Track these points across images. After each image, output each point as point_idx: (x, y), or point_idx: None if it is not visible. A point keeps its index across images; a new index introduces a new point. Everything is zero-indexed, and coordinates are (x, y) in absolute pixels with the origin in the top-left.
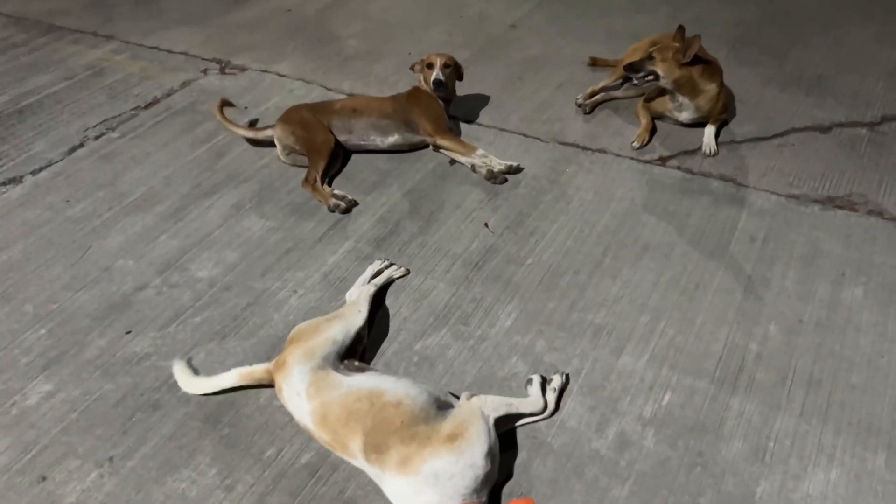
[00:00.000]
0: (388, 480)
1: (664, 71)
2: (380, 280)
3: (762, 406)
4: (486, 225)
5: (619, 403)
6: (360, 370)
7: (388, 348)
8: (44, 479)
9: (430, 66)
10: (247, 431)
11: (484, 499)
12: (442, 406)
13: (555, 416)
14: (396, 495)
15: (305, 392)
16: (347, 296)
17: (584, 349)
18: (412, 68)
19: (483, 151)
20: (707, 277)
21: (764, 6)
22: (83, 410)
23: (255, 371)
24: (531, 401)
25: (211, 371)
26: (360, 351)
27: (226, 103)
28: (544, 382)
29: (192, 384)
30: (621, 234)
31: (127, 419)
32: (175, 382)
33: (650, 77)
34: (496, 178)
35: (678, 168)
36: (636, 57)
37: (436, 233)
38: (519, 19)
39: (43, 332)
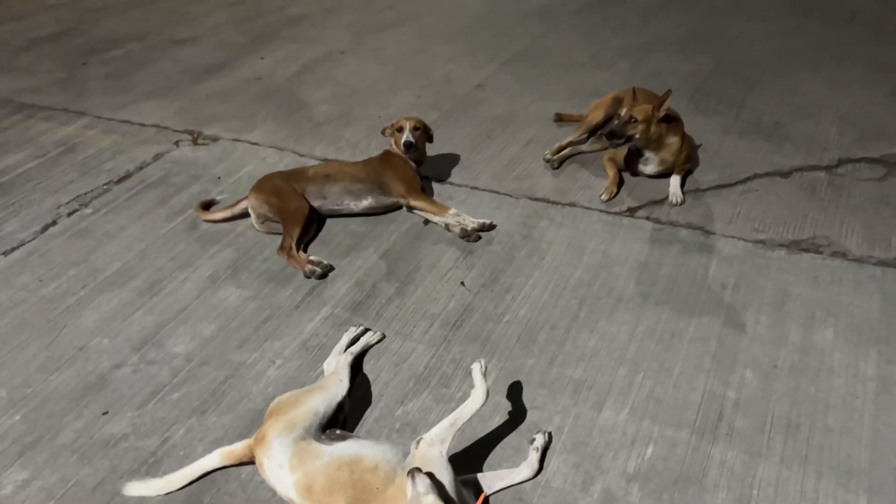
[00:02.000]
0: None
1: (643, 132)
2: (356, 348)
3: (743, 454)
4: (462, 283)
5: (603, 459)
6: (342, 438)
7: (370, 415)
8: None
9: (400, 129)
10: None
11: None
12: None
13: (539, 477)
14: None
15: (288, 464)
16: (325, 365)
17: (564, 406)
18: (383, 132)
19: (456, 210)
20: (682, 326)
21: (718, 57)
22: (60, 497)
23: (236, 449)
24: (473, 398)
25: (191, 448)
26: (341, 420)
27: (206, 205)
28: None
29: (170, 482)
30: (595, 287)
31: None
32: (154, 462)
33: (632, 140)
34: (470, 236)
35: (647, 218)
36: (600, 113)
37: (413, 294)
38: (485, 80)
39: (17, 417)
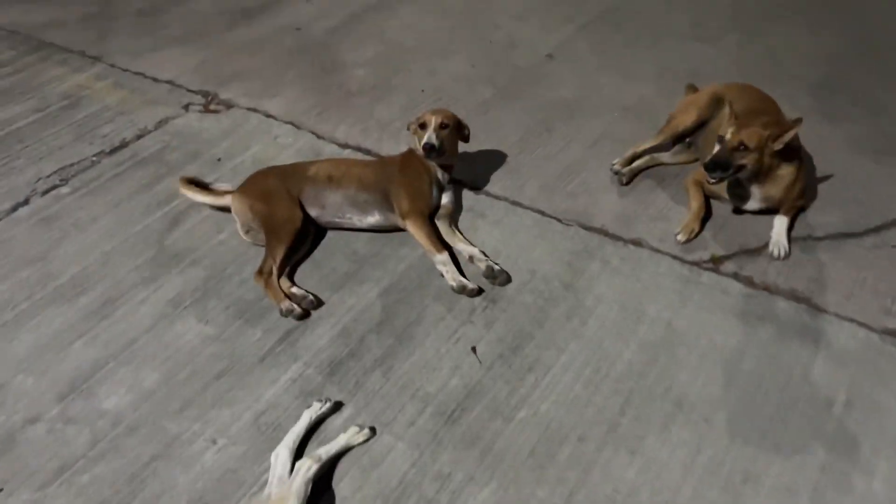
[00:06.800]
0: None
1: (754, 162)
2: (333, 448)
3: None
4: (473, 350)
5: None
6: None
7: None
8: None
9: (424, 126)
10: None
11: None
12: None
13: None
14: None
15: None
16: (273, 457)
17: None
18: (408, 128)
19: (445, 258)
20: (760, 466)
21: (856, 34)
22: None
23: None
24: None
25: None
26: None
27: (191, 180)
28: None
29: None
30: (649, 379)
31: None
32: None
33: (742, 171)
34: (496, 277)
35: (735, 276)
36: (691, 114)
37: (407, 358)
38: (556, 46)
39: None
